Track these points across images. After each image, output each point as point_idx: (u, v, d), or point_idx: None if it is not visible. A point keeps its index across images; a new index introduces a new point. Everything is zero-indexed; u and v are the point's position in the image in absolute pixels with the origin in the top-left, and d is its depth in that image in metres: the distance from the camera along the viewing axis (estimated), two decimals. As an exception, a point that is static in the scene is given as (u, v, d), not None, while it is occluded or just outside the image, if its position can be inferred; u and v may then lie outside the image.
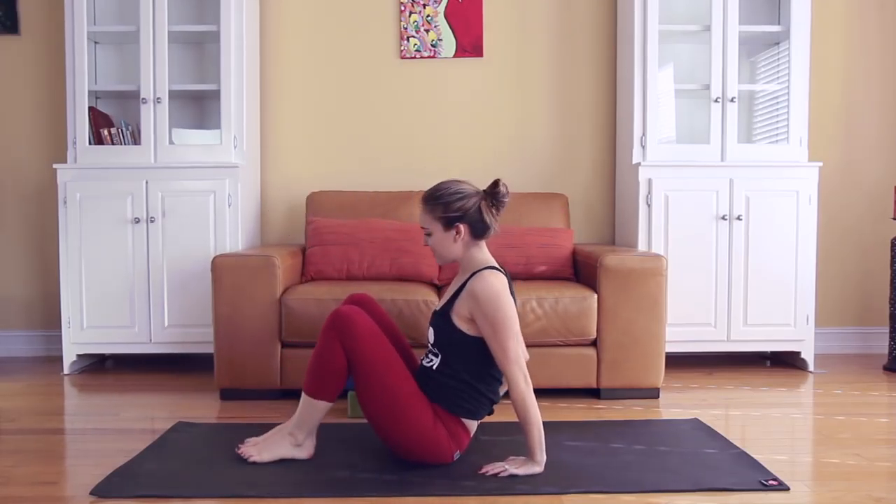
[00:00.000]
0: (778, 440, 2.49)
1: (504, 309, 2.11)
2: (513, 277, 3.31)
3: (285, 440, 2.24)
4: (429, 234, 2.23)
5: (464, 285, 2.18)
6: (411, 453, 2.17)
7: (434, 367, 2.21)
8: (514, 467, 2.11)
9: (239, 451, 2.26)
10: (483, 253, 2.25)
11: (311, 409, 2.20)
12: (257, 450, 2.24)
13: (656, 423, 2.66)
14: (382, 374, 2.11)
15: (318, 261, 3.36)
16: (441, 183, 2.24)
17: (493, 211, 2.19)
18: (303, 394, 2.21)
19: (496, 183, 2.18)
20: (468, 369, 2.17)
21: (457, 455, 2.21)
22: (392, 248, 3.34)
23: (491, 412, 2.27)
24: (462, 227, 2.18)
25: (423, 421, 2.12)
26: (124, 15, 3.76)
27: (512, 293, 2.23)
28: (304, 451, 2.25)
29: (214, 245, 3.42)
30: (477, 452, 2.31)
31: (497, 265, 2.24)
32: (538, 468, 2.11)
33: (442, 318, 2.21)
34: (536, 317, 2.93)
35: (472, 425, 2.23)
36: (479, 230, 2.20)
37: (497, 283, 2.14)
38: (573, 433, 2.51)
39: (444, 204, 2.18)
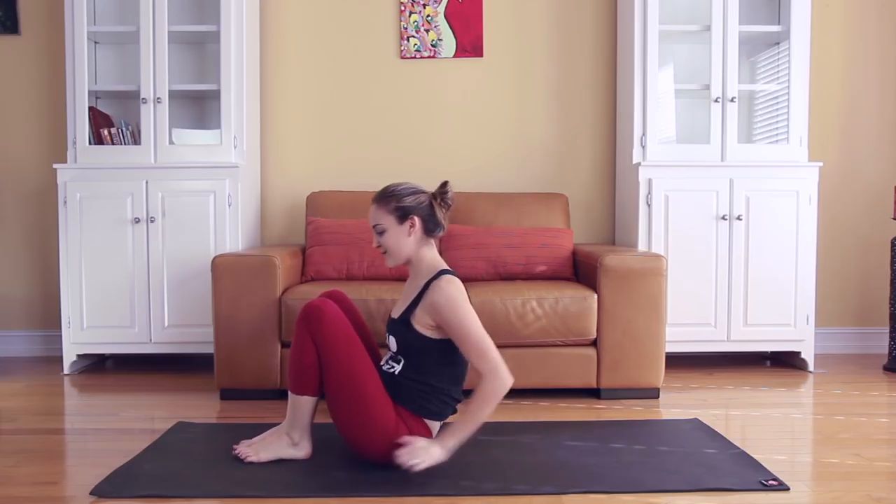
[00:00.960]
0: (778, 440, 2.49)
1: (466, 311, 2.12)
2: (513, 277, 3.31)
3: (282, 440, 2.25)
4: (381, 233, 2.23)
5: (421, 294, 2.18)
6: (370, 451, 2.16)
7: (396, 372, 2.20)
8: (416, 456, 2.05)
9: (235, 452, 2.26)
10: (433, 253, 2.27)
11: (298, 407, 2.22)
12: (254, 450, 2.25)
13: (656, 423, 2.66)
14: (347, 368, 2.12)
15: (317, 261, 3.36)
16: (391, 183, 2.28)
17: (443, 210, 2.23)
18: (289, 393, 2.24)
19: (444, 184, 2.23)
20: (433, 371, 2.17)
21: None
22: (392, 248, 3.34)
23: (455, 412, 2.27)
24: (416, 220, 2.20)
25: (385, 420, 2.11)
26: (124, 15, 3.76)
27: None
28: (302, 451, 2.25)
29: (214, 245, 3.42)
30: (476, 452, 2.31)
31: (448, 267, 2.25)
32: (441, 456, 2.05)
33: (403, 326, 2.20)
34: (536, 317, 2.93)
35: (435, 427, 2.23)
36: (431, 225, 2.23)
37: (453, 288, 2.15)
38: (573, 433, 2.51)
39: (397, 197, 2.21)
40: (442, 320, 2.13)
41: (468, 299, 2.18)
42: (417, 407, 2.16)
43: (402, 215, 2.20)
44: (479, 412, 2.08)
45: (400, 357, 2.22)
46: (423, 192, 2.24)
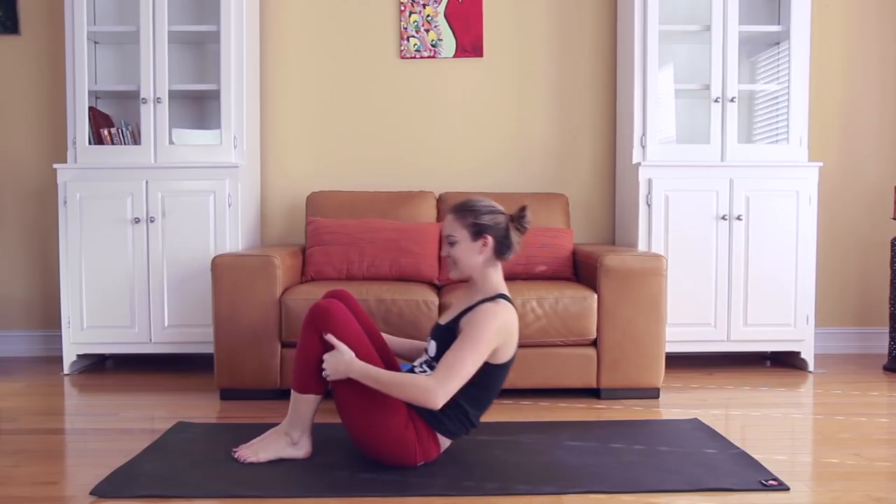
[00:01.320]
0: (778, 440, 2.49)
1: (484, 335, 2.08)
2: (513, 277, 3.31)
3: (281, 440, 2.25)
4: (452, 244, 2.22)
5: (472, 308, 2.17)
6: (376, 451, 2.15)
7: None
8: (330, 367, 2.10)
9: (235, 455, 2.26)
10: (499, 276, 2.25)
11: (300, 405, 2.22)
12: (253, 451, 2.25)
13: (656, 423, 2.66)
14: None
15: (317, 261, 3.36)
16: (472, 197, 2.27)
17: (518, 234, 2.22)
18: (292, 391, 2.24)
19: (523, 209, 2.21)
20: (463, 389, 2.13)
21: (422, 462, 2.18)
22: (392, 248, 3.34)
23: (467, 433, 2.25)
24: (489, 240, 2.19)
25: (395, 421, 2.10)
26: (124, 15, 3.76)
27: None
28: (301, 450, 2.25)
29: (214, 245, 3.42)
30: (477, 452, 2.31)
31: (508, 294, 2.24)
32: (344, 359, 2.08)
33: (448, 334, 2.19)
34: (536, 317, 2.93)
35: (445, 442, 2.21)
36: (503, 248, 2.21)
37: (496, 310, 2.13)
38: (573, 433, 2.51)
39: (475, 213, 2.20)
40: (464, 323, 2.12)
41: (512, 335, 2.16)
42: (433, 419, 2.15)
43: (477, 232, 2.19)
44: (388, 384, 2.05)
45: (435, 364, 2.20)
46: (502, 213, 2.22)
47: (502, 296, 2.21)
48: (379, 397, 2.09)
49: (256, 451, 2.24)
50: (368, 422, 2.12)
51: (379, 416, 2.10)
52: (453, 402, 2.14)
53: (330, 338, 2.12)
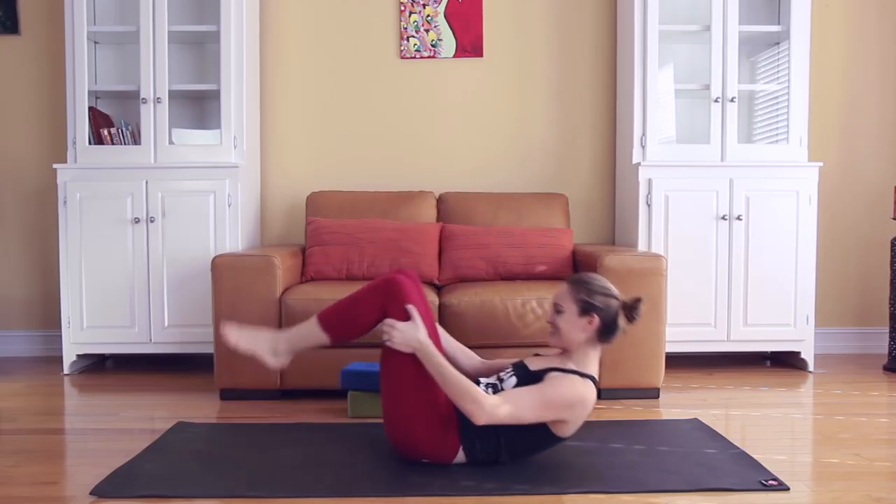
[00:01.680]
0: (778, 440, 2.49)
1: (555, 398, 2.07)
2: (513, 277, 3.31)
3: (267, 343, 2.28)
4: (558, 312, 2.20)
5: (563, 371, 2.15)
6: (396, 428, 2.16)
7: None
8: (398, 335, 2.10)
9: (221, 330, 2.28)
10: (595, 361, 2.22)
11: (310, 333, 2.25)
12: (237, 335, 2.27)
13: (656, 423, 2.66)
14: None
15: (317, 261, 3.36)
16: (593, 275, 2.26)
17: (626, 322, 2.19)
18: (315, 318, 2.24)
19: (638, 300, 2.18)
20: (513, 433, 2.12)
21: (426, 462, 2.18)
22: (392, 248, 3.34)
23: (479, 464, 2.19)
24: (596, 320, 2.16)
25: (437, 410, 2.11)
26: (124, 15, 3.76)
27: None
28: (277, 361, 2.28)
29: (214, 245, 3.42)
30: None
31: (597, 379, 2.22)
32: (410, 350, 2.09)
33: (533, 380, 2.15)
34: (536, 317, 2.93)
35: (461, 458, 2.17)
36: (608, 331, 2.17)
37: (578, 387, 2.11)
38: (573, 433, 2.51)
39: (590, 290, 2.17)
40: (550, 377, 2.11)
41: (582, 416, 2.14)
42: (467, 433, 2.13)
43: (585, 309, 2.16)
44: (448, 378, 2.04)
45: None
46: (615, 298, 2.18)
47: (593, 379, 2.19)
48: (434, 385, 2.09)
49: (240, 338, 2.27)
50: (409, 400, 2.12)
51: (423, 401, 2.10)
52: (494, 437, 2.13)
53: (412, 309, 2.13)
